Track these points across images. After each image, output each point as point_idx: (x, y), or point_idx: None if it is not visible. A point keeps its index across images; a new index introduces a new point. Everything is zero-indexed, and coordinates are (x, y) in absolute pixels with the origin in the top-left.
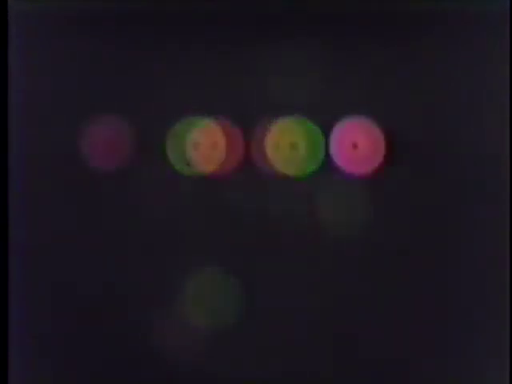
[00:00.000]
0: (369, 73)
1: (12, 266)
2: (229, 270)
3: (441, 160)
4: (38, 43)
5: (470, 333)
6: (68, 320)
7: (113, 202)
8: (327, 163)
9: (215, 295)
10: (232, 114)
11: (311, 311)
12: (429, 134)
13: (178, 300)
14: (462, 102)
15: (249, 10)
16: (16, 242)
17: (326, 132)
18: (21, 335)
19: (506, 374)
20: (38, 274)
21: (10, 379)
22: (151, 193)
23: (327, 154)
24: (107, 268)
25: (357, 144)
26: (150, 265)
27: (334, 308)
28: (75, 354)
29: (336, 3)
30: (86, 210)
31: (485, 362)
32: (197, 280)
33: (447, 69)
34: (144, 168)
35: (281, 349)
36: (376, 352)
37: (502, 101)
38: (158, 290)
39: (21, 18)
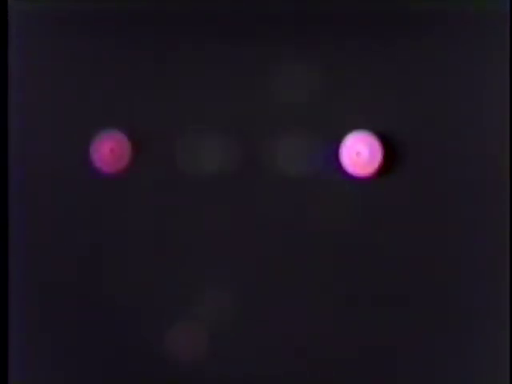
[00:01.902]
0: (368, 74)
1: (12, 266)
2: (230, 270)
3: (441, 160)
4: (38, 43)
5: (469, 333)
6: (68, 320)
7: (113, 202)
8: (337, 167)
9: (215, 295)
10: (233, 116)
11: (311, 311)
12: (429, 134)
13: (179, 300)
14: (462, 101)
15: (250, 11)
16: (16, 242)
17: (336, 142)
18: (21, 335)
19: (506, 374)
20: (38, 274)
21: (9, 379)
22: (152, 194)
23: (338, 160)
24: (108, 268)
25: (360, 152)
26: (150, 265)
27: (333, 308)
28: (75, 354)
29: (336, 3)
30: (87, 210)
31: (485, 362)
32: (197, 280)
33: (447, 69)
34: (145, 169)
35: (281, 349)
36: (376, 352)
37: (502, 101)
38: (158, 290)
39: (21, 18)
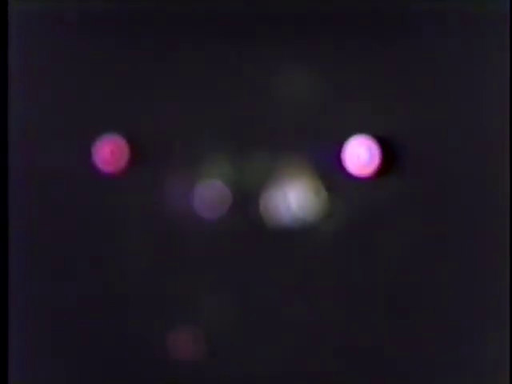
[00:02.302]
0: (368, 73)
1: (12, 266)
2: (230, 270)
3: (440, 160)
4: (38, 43)
5: (470, 333)
6: (68, 320)
7: (112, 203)
8: (340, 169)
9: (216, 295)
10: (232, 116)
11: (310, 311)
12: (428, 135)
13: (179, 301)
14: (462, 101)
15: (250, 14)
16: (16, 243)
17: (339, 146)
18: (21, 335)
19: (505, 374)
20: (38, 274)
21: (9, 379)
22: (151, 195)
23: (340, 163)
24: (108, 269)
25: (359, 155)
26: (149, 265)
27: (332, 308)
28: (75, 354)
29: (336, 3)
30: (86, 211)
31: (485, 362)
32: (197, 280)
33: (447, 69)
34: (145, 169)
35: (281, 350)
36: (376, 352)
37: (502, 101)
38: (157, 290)
39: (21, 18)
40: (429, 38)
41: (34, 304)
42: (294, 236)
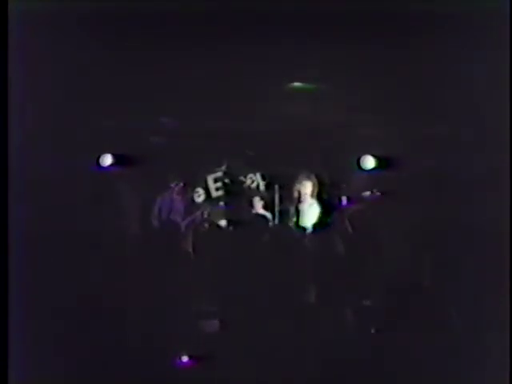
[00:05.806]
0: (369, 72)
1: (12, 267)
2: (230, 269)
3: (441, 160)
4: (38, 43)
5: (469, 333)
6: (68, 321)
7: (112, 204)
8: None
9: (216, 296)
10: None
11: (311, 311)
12: (429, 134)
13: (178, 300)
14: (461, 102)
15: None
16: (16, 243)
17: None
18: (21, 335)
19: (506, 374)
20: (38, 275)
21: (10, 379)
22: (152, 195)
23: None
24: (107, 270)
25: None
26: (149, 265)
27: (332, 308)
28: (75, 354)
29: (336, 3)
30: (86, 211)
31: (485, 362)
32: (197, 281)
33: (447, 68)
34: (146, 168)
35: (281, 352)
36: (375, 352)
37: (502, 101)
38: (157, 290)
39: (21, 18)
40: (429, 38)
41: (33, 304)
42: (294, 240)
